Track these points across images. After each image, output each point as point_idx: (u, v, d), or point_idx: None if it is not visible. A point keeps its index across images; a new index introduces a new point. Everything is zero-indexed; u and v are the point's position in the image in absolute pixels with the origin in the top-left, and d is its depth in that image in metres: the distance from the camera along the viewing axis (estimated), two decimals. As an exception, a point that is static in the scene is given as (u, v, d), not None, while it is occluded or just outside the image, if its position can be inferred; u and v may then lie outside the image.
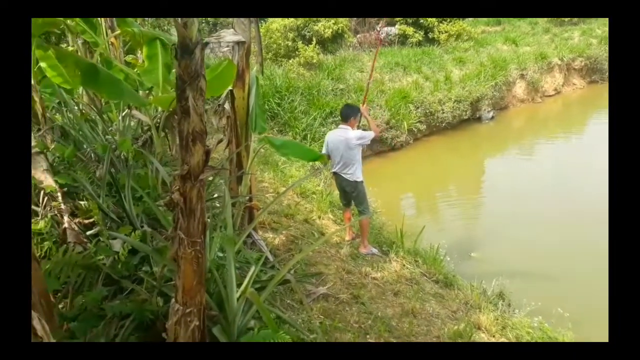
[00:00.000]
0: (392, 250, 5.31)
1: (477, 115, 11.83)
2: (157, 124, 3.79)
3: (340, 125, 5.00)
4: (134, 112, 3.96)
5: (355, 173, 4.93)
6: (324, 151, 5.07)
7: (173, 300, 2.04)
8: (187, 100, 1.77)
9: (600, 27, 14.87)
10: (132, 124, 4.52)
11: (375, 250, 5.24)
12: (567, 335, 4.06)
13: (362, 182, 5.01)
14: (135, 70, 4.56)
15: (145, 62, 4.04)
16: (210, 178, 3.95)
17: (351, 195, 5.12)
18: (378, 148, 9.99)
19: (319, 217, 5.88)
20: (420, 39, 13.28)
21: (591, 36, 14.91)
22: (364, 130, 5.32)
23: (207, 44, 1.83)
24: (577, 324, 4.28)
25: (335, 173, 5.09)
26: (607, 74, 14.41)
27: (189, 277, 1.96)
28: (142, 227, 2.79)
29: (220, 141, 2.81)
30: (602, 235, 6.76)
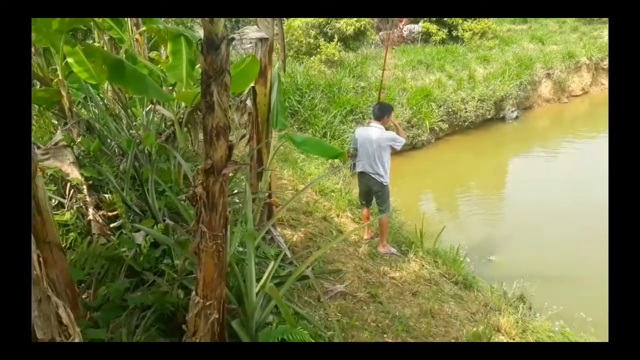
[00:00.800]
0: (411, 250, 5.27)
1: (501, 115, 11.63)
2: (180, 120, 3.84)
3: (372, 123, 4.93)
4: (158, 107, 4.02)
5: (385, 177, 4.88)
6: (352, 146, 5.01)
7: (193, 292, 2.07)
8: (212, 95, 1.78)
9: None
10: (156, 119, 4.60)
11: (394, 250, 5.21)
12: (590, 340, 3.96)
13: (388, 185, 5.02)
14: (159, 66, 4.62)
15: (169, 58, 4.09)
16: (232, 173, 3.99)
17: (376, 194, 5.07)
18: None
19: (338, 215, 5.88)
20: (444, 37, 13.12)
21: (621, 35, 14.49)
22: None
23: (232, 39, 1.84)
24: (600, 328, 4.17)
25: (361, 172, 5.03)
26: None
27: (210, 271, 1.98)
28: (164, 220, 2.83)
29: (243, 136, 2.84)
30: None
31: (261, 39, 3.61)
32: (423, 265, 4.99)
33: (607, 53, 13.65)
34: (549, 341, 3.92)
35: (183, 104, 3.95)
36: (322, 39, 11.43)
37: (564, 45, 13.57)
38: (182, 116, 3.85)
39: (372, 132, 4.85)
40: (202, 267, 1.99)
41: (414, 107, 10.18)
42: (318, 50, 11.27)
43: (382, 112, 4.91)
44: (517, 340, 3.94)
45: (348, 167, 5.82)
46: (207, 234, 1.90)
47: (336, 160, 7.54)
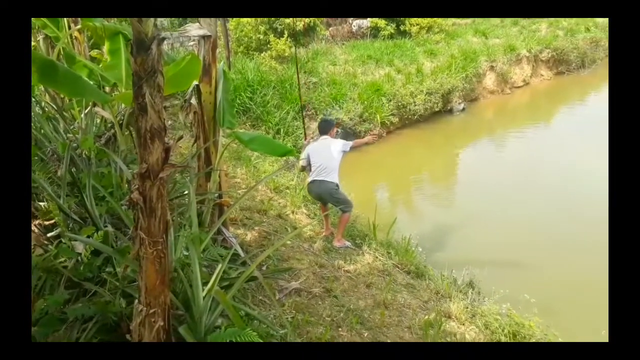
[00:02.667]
0: (365, 242, 5.36)
1: (449, 107, 11.97)
2: (121, 122, 3.70)
3: (322, 137, 5.33)
4: (97, 109, 3.85)
5: (335, 179, 5.14)
6: (302, 163, 5.33)
7: (136, 301, 2.01)
8: (144, 97, 1.73)
9: (566, 19, 15.23)
10: (97, 121, 4.41)
11: (348, 244, 5.28)
12: (533, 321, 4.18)
13: (338, 185, 5.17)
14: (100, 65, 4.43)
15: (107, 57, 3.93)
16: (177, 175, 3.89)
17: (331, 199, 5.22)
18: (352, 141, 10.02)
19: (293, 212, 5.87)
20: (392, 31, 13.32)
21: (558, 28, 15.26)
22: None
23: (164, 39, 1.78)
24: (543, 309, 4.41)
25: (312, 181, 5.19)
26: (573, 65, 14.81)
27: (152, 277, 1.93)
28: (106, 227, 2.72)
29: (180, 138, 2.77)
30: (567, 223, 6.97)
31: (204, 37, 3.53)
32: (377, 257, 5.08)
33: (544, 46, 14.35)
34: (496, 324, 4.10)
35: (124, 105, 3.81)
36: (272, 34, 11.34)
37: (506, 39, 14.12)
38: (123, 118, 3.71)
39: (325, 144, 5.24)
40: (143, 274, 1.93)
41: (365, 102, 10.30)
42: (268, 46, 11.17)
43: (329, 126, 5.42)
44: (467, 324, 4.09)
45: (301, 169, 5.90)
46: (147, 241, 1.85)
47: (291, 157, 7.54)
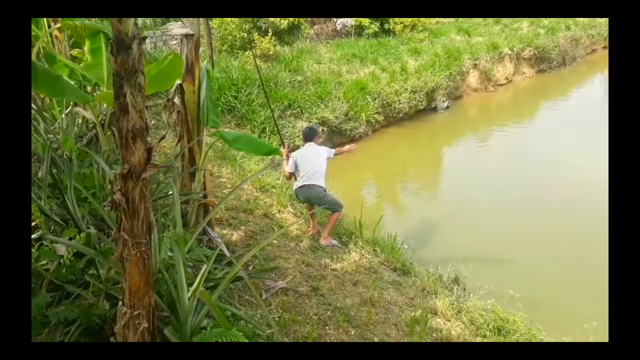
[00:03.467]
0: (351, 241, 5.37)
1: (433, 105, 12.07)
2: (103, 122, 3.64)
3: (307, 144, 5.49)
4: (78, 109, 3.79)
5: (323, 184, 5.23)
6: (289, 169, 5.38)
7: (120, 303, 1.99)
8: (125, 96, 1.71)
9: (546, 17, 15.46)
10: (79, 121, 4.33)
11: (335, 242, 5.29)
12: (517, 316, 4.24)
13: (326, 189, 5.27)
14: (81, 65, 4.36)
15: (88, 56, 3.86)
16: (161, 175, 3.85)
17: (320, 202, 5.28)
18: (337, 140, 10.03)
19: (279, 211, 5.85)
20: (377, 30, 13.36)
21: (539, 26, 15.49)
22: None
23: (145, 38, 1.76)
24: (527, 304, 4.48)
25: (301, 186, 5.24)
26: (554, 62, 15.04)
27: (136, 279, 1.91)
28: (88, 228, 2.68)
29: (162, 138, 2.74)
30: (550, 219, 7.08)
31: (187, 35, 3.50)
32: (363, 255, 5.10)
33: (526, 44, 14.55)
34: (481, 320, 4.15)
35: (105, 105, 3.75)
36: (257, 33, 11.28)
37: (488, 37, 14.28)
38: (105, 118, 3.66)
39: (313, 150, 5.38)
40: (127, 276, 1.91)
41: (350, 100, 10.32)
42: (253, 44, 11.11)
43: (313, 133, 5.58)
44: (453, 321, 4.14)
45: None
46: (130, 242, 1.83)
47: (277, 156, 7.52)
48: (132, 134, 1.72)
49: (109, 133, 3.68)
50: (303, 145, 5.64)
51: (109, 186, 3.21)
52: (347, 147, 5.82)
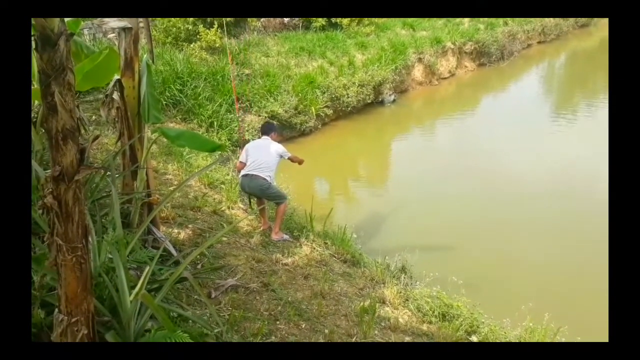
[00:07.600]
0: (302, 234, 5.40)
1: (380, 99, 12.29)
2: (35, 119, 3.44)
3: (263, 137, 5.49)
4: (6, 106, 3.55)
5: (267, 177, 5.17)
6: (241, 159, 5.37)
7: (56, 310, 1.90)
8: (54, 96, 1.63)
9: (486, 13, 16.08)
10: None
11: (286, 237, 5.30)
12: (461, 301, 4.44)
13: (270, 182, 5.22)
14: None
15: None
16: (100, 175, 3.70)
17: (262, 194, 5.26)
18: (288, 134, 10.01)
19: (229, 208, 5.78)
20: (324, 23, 13.39)
21: (479, 22, 16.11)
22: None
23: (72, 34, 1.68)
24: (470, 289, 4.69)
25: (245, 175, 5.19)
26: (493, 57, 15.73)
27: (72, 285, 1.84)
28: (20, 233, 2.53)
29: (96, 138, 2.64)
30: (490, 206, 7.43)
31: (124, 29, 3.36)
32: (314, 248, 5.15)
33: (467, 38, 15.11)
34: (427, 307, 4.31)
35: (37, 102, 3.55)
36: (202, 25, 10.99)
37: (432, 32, 14.69)
38: (36, 116, 3.46)
39: (266, 143, 5.37)
40: (62, 282, 1.83)
41: (300, 94, 10.31)
42: (198, 36, 10.82)
43: (270, 128, 5.61)
44: (400, 309, 4.28)
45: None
46: (64, 247, 1.76)
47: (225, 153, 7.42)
48: (62, 135, 1.65)
49: (41, 132, 3.48)
50: (258, 138, 5.68)
51: (43, 188, 3.04)
52: (301, 159, 5.64)
